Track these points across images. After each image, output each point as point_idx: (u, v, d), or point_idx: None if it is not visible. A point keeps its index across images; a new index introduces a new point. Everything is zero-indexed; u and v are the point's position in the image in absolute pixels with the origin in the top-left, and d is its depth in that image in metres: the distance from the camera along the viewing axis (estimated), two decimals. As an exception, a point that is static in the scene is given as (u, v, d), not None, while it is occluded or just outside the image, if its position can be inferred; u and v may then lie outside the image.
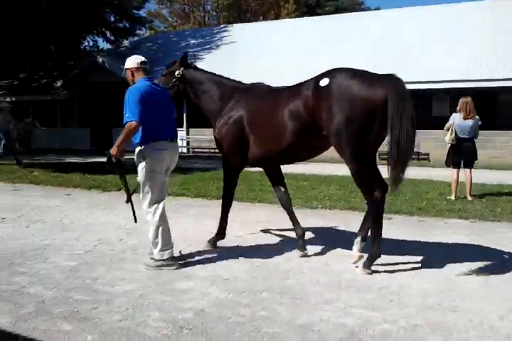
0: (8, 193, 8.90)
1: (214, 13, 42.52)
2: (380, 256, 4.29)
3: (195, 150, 19.53)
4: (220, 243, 5.11)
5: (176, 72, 5.19)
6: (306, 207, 7.40)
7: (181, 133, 19.59)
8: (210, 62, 20.98)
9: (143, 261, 4.50)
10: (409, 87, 4.05)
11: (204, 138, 19.06)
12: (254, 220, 6.43)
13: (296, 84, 4.63)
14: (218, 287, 3.88)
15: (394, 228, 5.91)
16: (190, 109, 19.69)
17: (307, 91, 4.32)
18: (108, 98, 18.93)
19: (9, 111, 14.64)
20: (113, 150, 4.25)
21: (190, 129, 19.74)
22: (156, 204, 4.35)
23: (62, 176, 10.54)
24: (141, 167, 4.31)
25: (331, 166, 12.61)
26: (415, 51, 17.66)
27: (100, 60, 20.29)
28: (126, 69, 4.64)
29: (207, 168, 12.76)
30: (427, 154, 16.73)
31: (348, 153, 4.12)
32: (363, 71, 4.26)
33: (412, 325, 3.17)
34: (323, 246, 5.09)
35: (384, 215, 6.59)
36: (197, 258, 4.69)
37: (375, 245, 4.21)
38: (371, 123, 4.00)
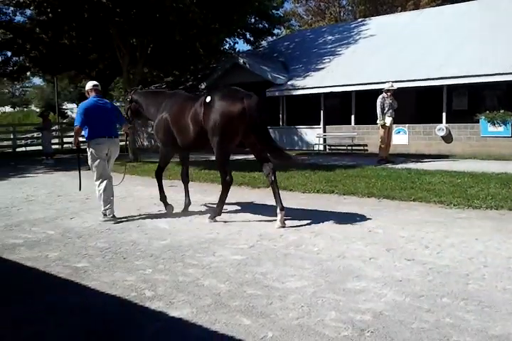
0: (167, 189, 9.44)
1: (350, 8, 41.85)
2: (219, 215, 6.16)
3: (332, 147, 19.17)
4: (387, 245, 4.96)
5: (128, 98, 7.58)
6: (468, 206, 6.86)
7: (318, 130, 19.43)
8: (350, 57, 20.57)
9: (306, 257, 4.48)
10: None
11: (342, 134, 18.68)
12: (418, 221, 6.05)
13: (200, 96, 6.28)
14: (393, 289, 3.68)
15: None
16: (326, 107, 19.51)
17: (200, 104, 6.00)
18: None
19: None
20: (74, 143, 6.75)
21: (326, 126, 19.44)
22: (101, 179, 6.46)
23: (213, 173, 10.94)
24: (88, 153, 6.48)
25: (476, 163, 11.72)
26: None
27: (241, 60, 20.86)
28: (85, 90, 6.82)
29: (348, 165, 12.43)
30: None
31: (216, 148, 5.84)
32: (233, 90, 6.01)
33: None
34: (501, 251, 4.64)
35: (496, 211, 6.03)
36: (362, 257, 4.53)
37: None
38: (235, 128, 5.71)
